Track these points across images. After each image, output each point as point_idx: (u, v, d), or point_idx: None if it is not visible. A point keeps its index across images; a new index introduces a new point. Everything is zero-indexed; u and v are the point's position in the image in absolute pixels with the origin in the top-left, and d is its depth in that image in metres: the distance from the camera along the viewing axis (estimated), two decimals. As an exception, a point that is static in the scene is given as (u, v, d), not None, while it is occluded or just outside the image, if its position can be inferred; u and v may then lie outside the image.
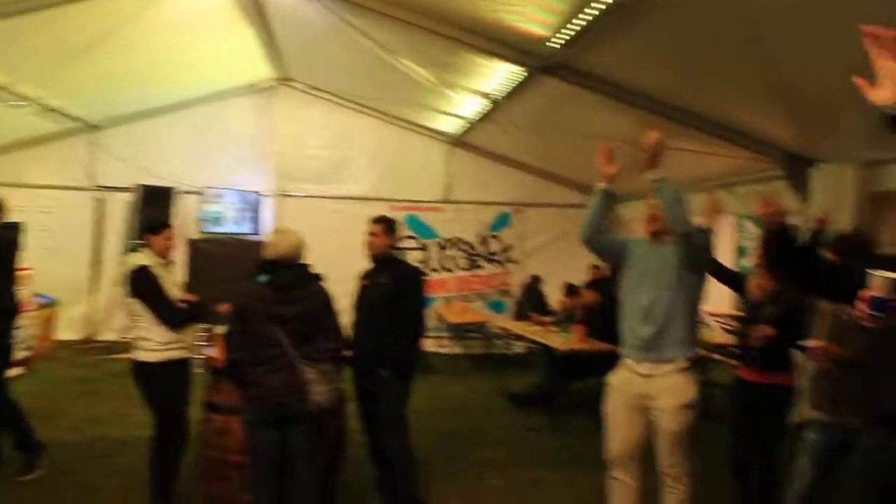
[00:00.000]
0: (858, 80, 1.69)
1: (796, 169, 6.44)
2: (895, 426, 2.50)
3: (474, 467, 5.34)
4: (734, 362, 4.57)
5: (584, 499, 4.66)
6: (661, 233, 3.70)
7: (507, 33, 5.82)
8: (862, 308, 2.22)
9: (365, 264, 4.46)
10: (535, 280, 10.00)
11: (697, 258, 3.63)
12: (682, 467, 3.65)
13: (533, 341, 7.79)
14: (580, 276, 9.77)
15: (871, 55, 1.67)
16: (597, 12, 4.79)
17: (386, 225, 4.41)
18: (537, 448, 5.91)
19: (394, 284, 4.25)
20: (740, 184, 7.32)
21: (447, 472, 5.13)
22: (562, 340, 6.79)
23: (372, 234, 4.37)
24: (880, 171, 5.81)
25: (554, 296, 9.64)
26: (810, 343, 3.44)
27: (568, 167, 10.21)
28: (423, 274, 4.71)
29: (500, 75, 6.94)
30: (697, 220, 3.73)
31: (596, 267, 9.97)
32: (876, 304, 2.19)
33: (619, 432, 3.78)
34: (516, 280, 10.67)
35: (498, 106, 7.87)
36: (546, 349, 7.12)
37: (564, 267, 10.39)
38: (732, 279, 4.50)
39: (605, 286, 7.37)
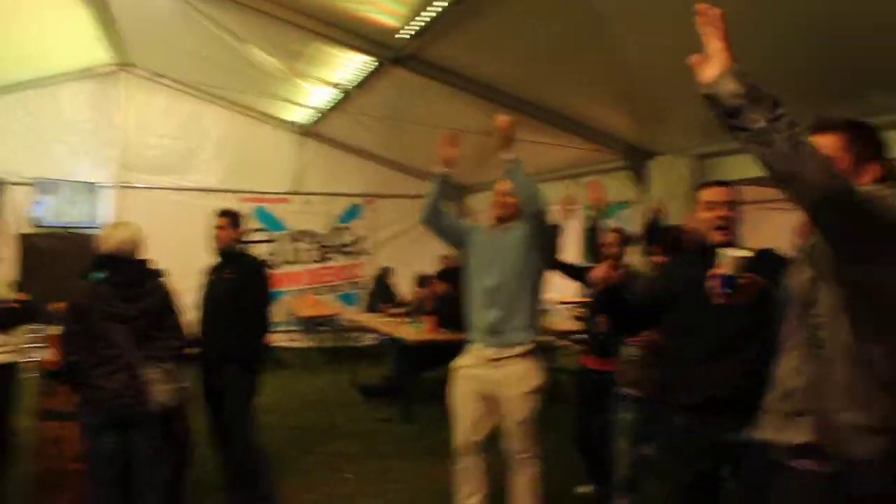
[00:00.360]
0: (695, 58, 1.73)
1: (637, 160, 6.79)
2: (713, 412, 2.64)
3: (327, 461, 5.30)
4: (578, 348, 4.78)
5: (437, 487, 4.66)
6: (508, 218, 3.79)
7: (359, 23, 5.77)
8: (714, 285, 2.29)
9: (211, 259, 4.33)
10: (386, 271, 10.03)
11: (544, 242, 3.74)
12: (531, 450, 3.74)
13: (384, 333, 7.80)
14: (432, 267, 9.88)
15: (702, 35, 1.73)
16: (446, 3, 4.83)
17: (231, 218, 4.31)
18: (389, 439, 5.93)
19: (238, 278, 4.16)
20: (585, 174, 7.61)
21: (299, 466, 5.06)
22: (412, 331, 6.84)
23: (218, 227, 4.25)
24: (711, 164, 6.21)
25: (406, 287, 9.70)
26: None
27: (419, 158, 10.25)
28: (268, 267, 4.65)
29: (351, 66, 6.88)
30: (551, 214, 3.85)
31: (446, 257, 10.13)
32: (726, 281, 2.28)
33: (465, 418, 3.82)
34: (368, 272, 10.64)
35: (349, 96, 7.79)
36: (397, 341, 7.15)
37: (416, 258, 10.49)
38: (574, 271, 4.68)
39: (456, 276, 7.49)
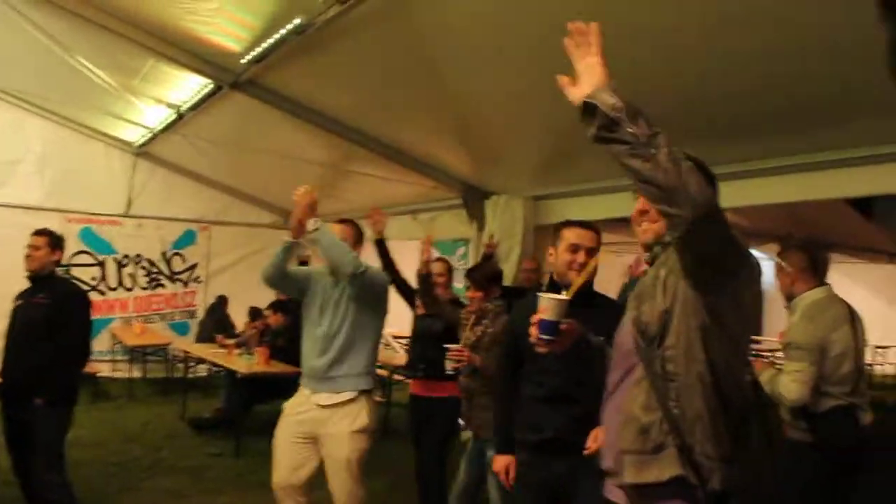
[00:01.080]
0: (562, 79, 1.74)
1: (473, 199, 7.02)
2: (550, 451, 2.73)
3: (151, 497, 5.04)
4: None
5: None
6: None
7: (198, 45, 5.62)
8: (534, 333, 2.16)
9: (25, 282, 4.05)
10: (222, 301, 9.70)
11: (369, 294, 3.70)
12: (355, 495, 3.67)
13: (216, 364, 7.51)
14: (268, 297, 9.68)
15: (573, 54, 1.74)
16: (288, 32, 4.79)
17: (49, 238, 4.04)
18: (221, 474, 5.70)
19: (52, 304, 3.92)
20: (423, 211, 7.76)
21: None
22: (245, 363, 6.64)
23: (32, 247, 3.98)
24: (544, 205, 6.53)
25: (241, 317, 9.43)
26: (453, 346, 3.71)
27: (257, 186, 10.11)
28: (85, 293, 4.39)
29: (188, 87, 6.68)
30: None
31: (281, 288, 9.98)
32: (545, 327, 2.13)
33: (285, 460, 3.74)
34: (201, 300, 10.27)
35: (183, 118, 7.52)
36: (230, 372, 6.94)
37: (252, 287, 10.21)
38: (405, 293, 4.77)
39: (290, 307, 7.39)
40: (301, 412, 3.72)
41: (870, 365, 12.42)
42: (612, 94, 1.65)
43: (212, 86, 6.29)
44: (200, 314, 10.15)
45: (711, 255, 1.74)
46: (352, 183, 8.16)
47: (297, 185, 8.74)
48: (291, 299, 7.66)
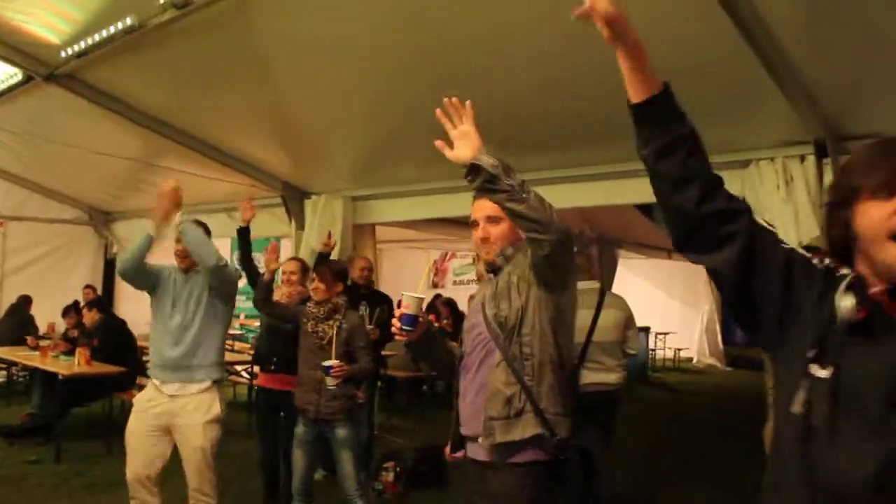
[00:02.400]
0: (439, 143, 2.21)
1: (293, 198, 7.25)
2: None
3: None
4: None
5: None
6: (190, 268, 3.95)
7: (10, 33, 5.37)
8: (396, 325, 2.49)
9: None
10: (25, 301, 9.08)
11: (226, 287, 3.93)
12: (210, 481, 3.88)
13: (30, 368, 7.15)
14: (72, 296, 9.28)
15: (446, 124, 2.21)
16: (118, 31, 4.75)
17: None
18: (43, 481, 5.49)
19: None
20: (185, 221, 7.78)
21: None
22: (65, 365, 6.41)
23: None
24: (362, 205, 6.91)
25: (45, 318, 8.96)
26: (329, 362, 3.96)
27: (62, 181, 9.59)
28: None
29: (-8, 74, 6.30)
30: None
31: (89, 286, 9.61)
32: (406, 320, 2.48)
33: (139, 453, 3.85)
34: (-2, 301, 9.58)
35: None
36: (43, 375, 6.67)
37: (54, 286, 9.77)
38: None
39: (104, 305, 7.22)
40: (154, 405, 3.84)
41: (652, 350, 13.95)
42: (489, 155, 2.15)
43: (20, 76, 6.00)
44: (-4, 316, 9.47)
45: (562, 263, 2.33)
46: (166, 178, 8.02)
47: (106, 179, 8.52)
48: (102, 298, 7.53)
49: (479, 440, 2.42)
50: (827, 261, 1.37)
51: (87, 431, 6.78)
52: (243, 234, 5.05)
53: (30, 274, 9.87)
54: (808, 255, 1.39)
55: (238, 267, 4.97)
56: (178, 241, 3.91)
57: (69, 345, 7.20)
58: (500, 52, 3.98)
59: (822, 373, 1.27)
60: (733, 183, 4.65)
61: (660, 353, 14.86)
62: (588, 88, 4.00)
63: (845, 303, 1.28)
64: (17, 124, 7.29)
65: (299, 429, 4.14)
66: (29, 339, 7.80)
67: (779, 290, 1.38)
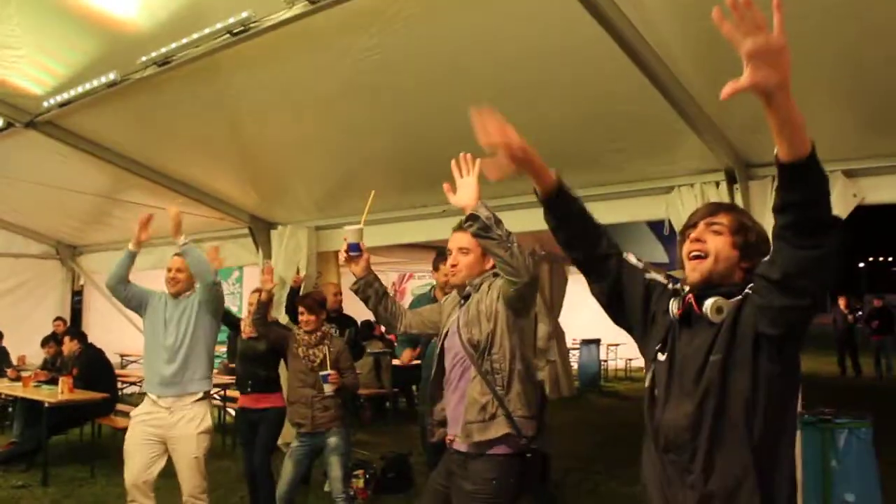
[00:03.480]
0: (446, 187, 2.78)
1: (260, 229, 7.75)
2: None
3: (-33, 533, 5.11)
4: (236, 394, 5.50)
5: None
6: (181, 291, 4.45)
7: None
8: (342, 254, 3.22)
9: None
10: (-2, 335, 9.36)
11: (216, 305, 4.45)
12: (202, 487, 4.36)
13: (11, 397, 7.50)
14: (40, 328, 9.58)
15: (456, 174, 2.79)
16: (101, 85, 5.17)
17: None
18: (34, 503, 5.84)
19: None
20: (210, 239, 8.25)
21: None
22: (48, 393, 6.76)
23: None
24: (325, 234, 7.43)
25: (15, 350, 9.21)
26: (326, 371, 4.47)
27: (28, 217, 9.86)
28: None
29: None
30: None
31: (59, 319, 9.91)
32: (351, 247, 3.18)
33: (136, 460, 4.31)
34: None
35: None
36: (24, 405, 7.03)
37: (22, 320, 10.03)
38: (231, 322, 5.42)
39: (83, 336, 7.60)
40: (151, 417, 4.32)
41: (604, 360, 14.60)
42: (486, 208, 2.71)
43: (2, 125, 6.36)
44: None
45: (528, 296, 2.88)
46: (132, 212, 8.38)
47: (72, 214, 8.86)
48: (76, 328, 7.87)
49: (458, 442, 2.99)
50: (677, 284, 1.97)
51: (71, 456, 7.14)
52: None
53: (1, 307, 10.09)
54: (665, 280, 2.00)
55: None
56: (170, 269, 4.46)
57: (49, 374, 7.54)
58: (452, 90, 4.52)
59: (661, 357, 1.88)
60: (659, 206, 5.33)
61: (611, 364, 15.50)
62: (553, 122, 4.55)
63: (672, 307, 1.91)
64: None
65: (294, 443, 4.63)
66: (10, 371, 8.09)
67: (640, 305, 2.04)
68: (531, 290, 2.88)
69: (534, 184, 2.04)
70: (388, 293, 3.43)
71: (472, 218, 2.72)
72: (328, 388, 4.44)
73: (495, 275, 3.01)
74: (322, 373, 4.44)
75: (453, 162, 2.81)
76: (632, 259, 2.10)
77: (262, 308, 4.92)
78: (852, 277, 55.69)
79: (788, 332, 1.75)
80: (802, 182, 1.54)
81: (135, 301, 4.53)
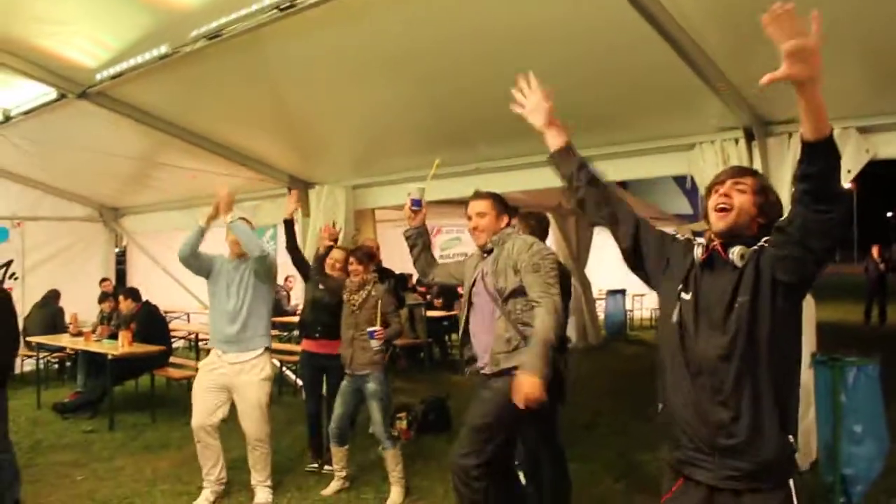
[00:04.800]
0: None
1: (299, 189, 8.05)
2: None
3: (51, 469, 5.63)
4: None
5: (166, 472, 5.53)
6: (241, 254, 4.86)
7: (47, 57, 6.04)
8: (407, 206, 3.81)
9: None
10: (55, 295, 9.84)
11: (268, 272, 4.87)
12: (264, 432, 4.83)
13: (77, 351, 8.09)
14: (87, 288, 10.09)
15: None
16: (153, 58, 5.48)
17: None
18: (104, 446, 6.35)
19: None
20: (248, 199, 8.61)
21: (25, 478, 4.88)
22: (110, 347, 7.25)
23: None
24: (361, 192, 7.77)
25: (66, 309, 9.69)
26: (373, 328, 4.81)
27: (73, 181, 10.29)
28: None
29: (24, 92, 6.95)
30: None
31: (106, 279, 10.39)
32: (414, 203, 3.80)
33: (202, 405, 4.78)
34: (19, 297, 10.27)
35: (10, 119, 7.75)
36: (86, 357, 7.55)
37: (70, 281, 10.50)
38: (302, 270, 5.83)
39: (138, 294, 8.05)
40: (215, 368, 4.78)
41: (630, 310, 14.92)
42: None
43: (54, 94, 6.70)
44: (20, 310, 10.18)
45: None
46: (173, 175, 8.75)
47: (115, 178, 9.19)
48: (133, 288, 8.34)
49: (487, 368, 3.48)
50: (688, 235, 2.34)
51: (132, 405, 7.70)
52: (289, 225, 5.84)
53: (48, 269, 10.60)
54: (673, 231, 2.41)
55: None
56: (228, 233, 4.85)
57: (111, 329, 8.06)
58: (482, 57, 4.80)
59: (686, 296, 2.22)
60: (682, 162, 5.60)
61: (637, 314, 15.82)
62: (574, 77, 4.79)
63: (697, 252, 2.27)
64: (41, 134, 7.98)
65: (344, 382, 5.04)
66: (71, 327, 8.64)
67: (658, 250, 2.44)
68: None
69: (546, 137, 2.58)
70: (430, 246, 4.03)
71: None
72: (375, 344, 4.79)
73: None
74: (369, 329, 4.80)
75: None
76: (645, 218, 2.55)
77: (321, 260, 5.44)
78: (881, 228, 55.27)
79: (799, 281, 2.11)
80: (821, 158, 1.87)
81: (203, 270, 4.93)
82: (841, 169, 1.92)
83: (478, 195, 3.73)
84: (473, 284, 3.65)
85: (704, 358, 2.19)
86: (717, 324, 2.18)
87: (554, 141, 2.62)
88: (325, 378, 5.53)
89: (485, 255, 3.66)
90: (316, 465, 5.57)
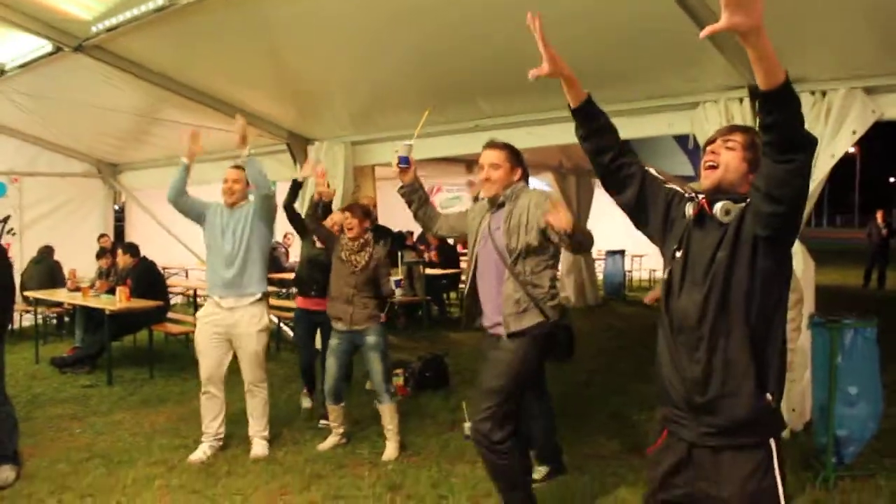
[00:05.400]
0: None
1: (298, 145, 8.02)
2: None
3: (49, 423, 5.66)
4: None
5: (165, 426, 5.56)
6: (236, 201, 4.83)
7: (38, 8, 5.91)
8: (395, 164, 3.72)
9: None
10: (50, 250, 9.80)
11: (270, 213, 4.88)
12: (261, 377, 4.91)
13: (74, 306, 8.11)
14: (85, 244, 10.08)
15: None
16: (148, 10, 5.39)
17: None
18: (102, 400, 6.38)
19: None
20: (249, 155, 8.51)
21: (22, 432, 4.87)
22: (108, 301, 7.26)
23: None
24: (360, 149, 7.70)
25: (64, 265, 9.67)
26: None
27: (71, 137, 10.20)
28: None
29: (20, 45, 6.87)
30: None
31: (104, 235, 10.37)
32: (401, 160, 3.69)
33: (208, 356, 4.82)
34: (17, 252, 10.26)
35: (4, 73, 7.66)
36: (84, 313, 7.57)
37: (69, 236, 10.49)
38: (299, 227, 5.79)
39: (136, 250, 8.03)
40: (213, 317, 4.80)
41: (628, 271, 14.94)
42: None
43: (49, 48, 6.60)
44: (17, 266, 10.17)
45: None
46: (171, 131, 8.66)
47: (113, 133, 9.15)
48: (132, 243, 8.32)
49: (497, 329, 3.47)
50: (692, 193, 2.29)
51: (129, 360, 7.75)
52: (295, 186, 5.74)
53: (46, 225, 10.58)
54: (682, 190, 2.32)
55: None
56: (226, 180, 4.87)
57: (108, 284, 8.07)
58: (483, 12, 4.71)
59: (678, 255, 2.21)
60: (685, 121, 5.53)
61: (636, 275, 15.87)
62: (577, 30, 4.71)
63: (688, 209, 2.25)
64: (36, 89, 7.89)
65: (333, 341, 5.02)
66: (69, 283, 8.64)
67: (662, 212, 2.36)
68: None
69: (567, 96, 2.36)
70: (429, 199, 3.93)
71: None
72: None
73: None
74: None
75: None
76: (652, 171, 2.40)
77: (315, 207, 5.36)
78: (883, 192, 55.13)
79: (776, 235, 2.07)
80: (778, 106, 1.82)
81: (194, 212, 4.93)
82: (802, 116, 1.86)
83: (492, 144, 3.57)
84: (479, 240, 3.60)
85: (684, 315, 2.19)
86: (698, 281, 2.17)
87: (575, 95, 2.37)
88: (319, 332, 5.61)
89: (494, 209, 3.56)
90: (320, 420, 5.54)
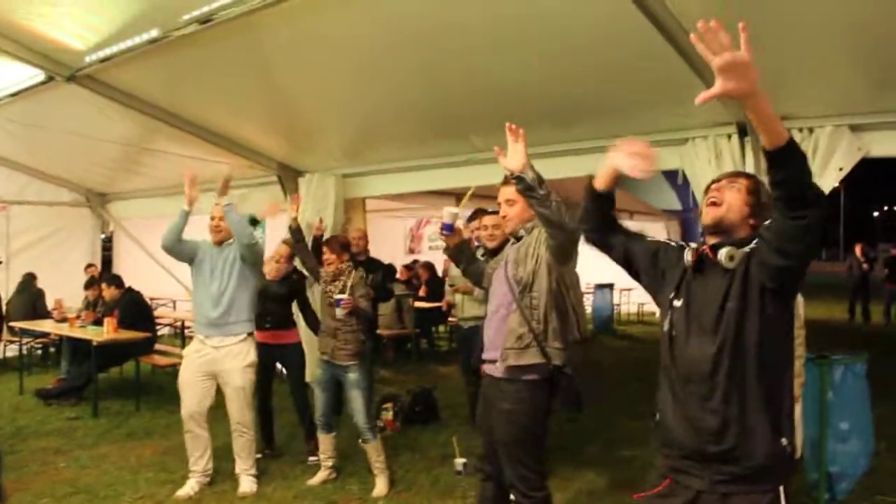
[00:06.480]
0: (497, 150, 3.13)
1: (289, 177, 8.02)
2: None
3: (35, 455, 5.57)
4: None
5: (151, 460, 5.49)
6: (223, 240, 4.87)
7: (36, 39, 5.95)
8: (440, 231, 3.78)
9: None
10: (31, 278, 9.74)
11: (254, 258, 4.88)
12: (248, 418, 4.85)
13: (61, 336, 8.04)
14: (73, 273, 10.01)
15: (509, 138, 3.07)
16: (143, 42, 5.42)
17: None
18: (88, 433, 6.29)
19: None
20: (237, 187, 8.53)
21: (7, 465, 4.84)
22: (95, 333, 7.19)
23: None
24: (352, 181, 7.72)
25: (50, 294, 9.59)
26: (339, 296, 4.80)
27: (60, 166, 10.18)
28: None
29: (12, 74, 6.87)
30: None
31: (91, 265, 10.31)
32: (445, 227, 3.73)
33: (191, 394, 4.77)
34: (3, 281, 10.14)
35: (-3, 103, 7.66)
36: (70, 344, 7.49)
37: (56, 266, 10.42)
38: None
39: (121, 281, 7.99)
40: (201, 355, 4.77)
41: (616, 305, 14.96)
42: (531, 170, 3.05)
43: (42, 77, 6.61)
44: (4, 295, 10.07)
45: (567, 249, 3.25)
46: (161, 160, 8.66)
47: (102, 163, 9.19)
48: (118, 276, 8.27)
49: (497, 363, 3.36)
50: (681, 243, 2.39)
51: (116, 392, 7.65)
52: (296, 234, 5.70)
53: (33, 254, 10.49)
54: (669, 241, 2.38)
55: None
56: (213, 217, 4.87)
57: (95, 315, 7.99)
58: (477, 48, 4.75)
59: (678, 303, 2.21)
60: (674, 156, 5.57)
61: (624, 308, 15.87)
62: (566, 68, 4.72)
63: (687, 256, 2.26)
64: (25, 117, 7.89)
65: (318, 372, 5.02)
66: (55, 313, 8.56)
67: (649, 264, 2.45)
68: (569, 245, 3.21)
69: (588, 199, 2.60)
70: (475, 256, 3.94)
71: (519, 179, 3.07)
72: (339, 312, 4.78)
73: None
74: (335, 296, 4.78)
75: (507, 129, 3.09)
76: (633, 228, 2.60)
77: (297, 233, 5.49)
78: (867, 226, 55.73)
79: (782, 286, 2.10)
80: (783, 164, 1.87)
81: (187, 256, 4.92)
82: (809, 171, 1.92)
83: (508, 182, 3.47)
84: (494, 277, 3.61)
85: (693, 364, 2.18)
86: (707, 329, 2.17)
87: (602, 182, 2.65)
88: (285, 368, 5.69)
89: (512, 243, 3.60)
90: (263, 454, 5.54)
